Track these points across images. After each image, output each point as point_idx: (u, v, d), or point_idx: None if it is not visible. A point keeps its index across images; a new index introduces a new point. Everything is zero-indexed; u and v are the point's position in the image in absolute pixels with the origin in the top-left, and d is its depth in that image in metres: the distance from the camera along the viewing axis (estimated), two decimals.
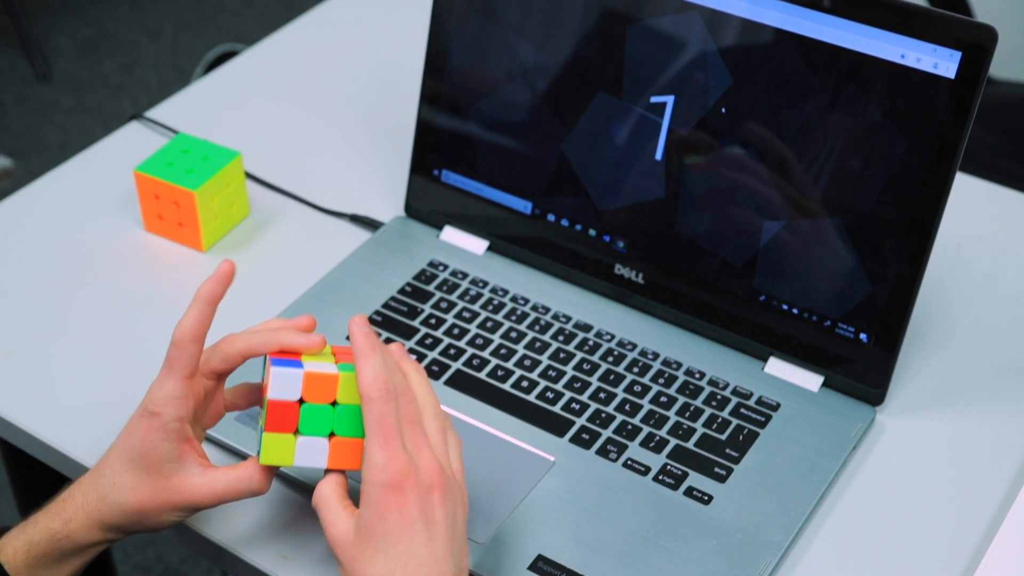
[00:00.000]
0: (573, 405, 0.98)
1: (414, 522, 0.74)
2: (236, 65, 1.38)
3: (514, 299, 1.06)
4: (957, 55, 0.88)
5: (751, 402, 0.98)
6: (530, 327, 1.04)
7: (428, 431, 0.78)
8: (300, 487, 0.92)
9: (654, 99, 1.00)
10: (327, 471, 0.79)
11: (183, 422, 0.81)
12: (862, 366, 0.98)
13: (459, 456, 0.80)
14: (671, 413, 0.97)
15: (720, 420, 0.97)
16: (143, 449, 0.81)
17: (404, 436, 0.76)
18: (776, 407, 0.98)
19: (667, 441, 0.95)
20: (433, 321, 1.04)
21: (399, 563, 0.74)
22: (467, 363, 1.01)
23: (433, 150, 1.12)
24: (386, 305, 1.06)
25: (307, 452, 0.79)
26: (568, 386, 0.99)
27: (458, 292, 1.07)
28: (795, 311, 0.99)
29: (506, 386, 0.99)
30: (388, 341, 1.03)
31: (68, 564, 0.84)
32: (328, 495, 0.77)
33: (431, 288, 1.07)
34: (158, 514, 0.82)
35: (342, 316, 1.05)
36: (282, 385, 0.79)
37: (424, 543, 0.75)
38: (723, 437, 0.95)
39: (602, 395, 0.98)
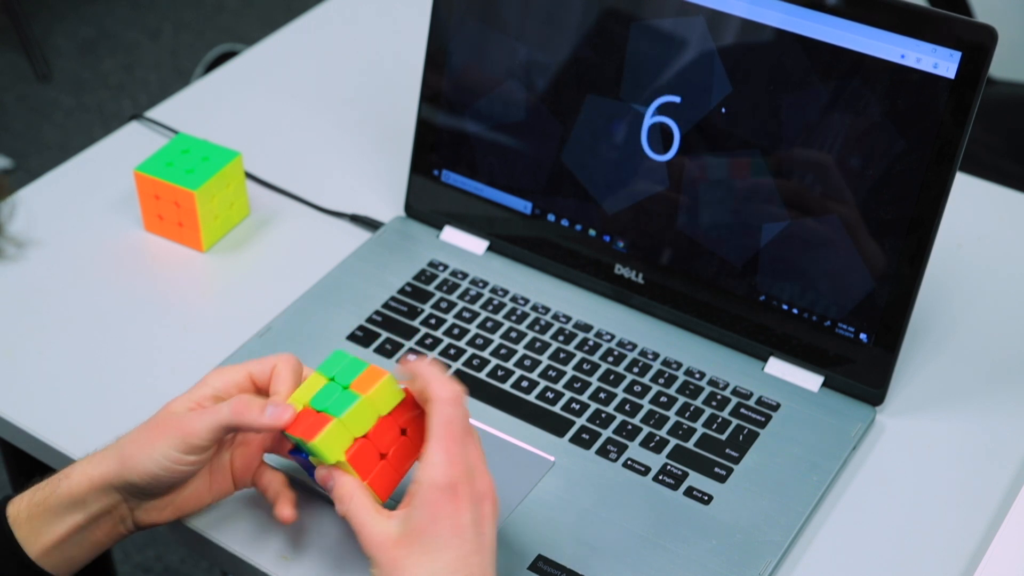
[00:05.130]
0: (573, 405, 0.98)
1: (465, 530, 0.75)
2: (236, 65, 1.38)
3: (514, 299, 1.06)
4: (957, 55, 0.88)
5: (751, 402, 0.98)
6: (530, 327, 1.04)
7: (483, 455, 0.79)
8: (300, 487, 0.92)
9: (654, 99, 1.00)
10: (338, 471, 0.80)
11: (213, 393, 0.83)
12: (862, 366, 0.98)
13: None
14: (671, 413, 0.97)
15: (720, 420, 0.97)
16: (166, 405, 0.83)
17: (466, 447, 0.77)
18: (776, 407, 0.98)
19: (667, 441, 0.95)
20: (433, 321, 1.04)
21: (447, 570, 0.74)
22: (467, 363, 1.01)
23: (433, 150, 1.12)
24: (386, 305, 1.06)
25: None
26: (568, 386, 0.99)
27: (458, 292, 1.07)
28: (795, 311, 0.99)
29: (506, 386, 0.99)
30: (388, 342, 1.03)
31: (63, 519, 0.83)
32: (361, 494, 0.78)
33: (431, 288, 1.07)
34: (150, 442, 0.81)
35: (342, 316, 1.05)
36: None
37: (474, 552, 0.75)
38: (723, 437, 0.95)
39: (602, 395, 0.98)
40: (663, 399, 0.98)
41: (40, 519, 0.83)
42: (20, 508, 0.83)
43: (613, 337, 1.03)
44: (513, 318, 1.05)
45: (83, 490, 0.82)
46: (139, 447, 0.81)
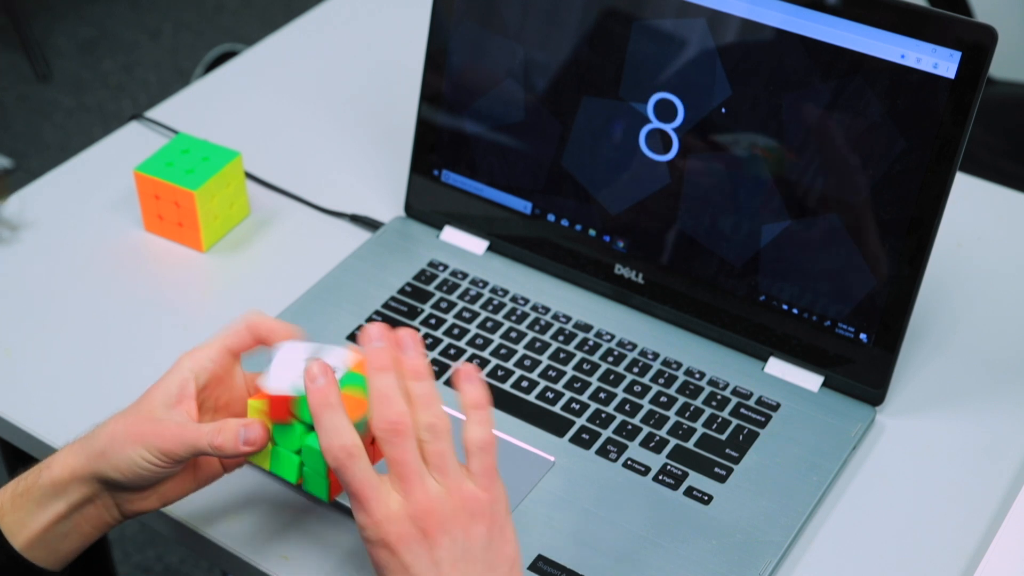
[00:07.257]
0: (573, 405, 0.98)
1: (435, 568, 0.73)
2: (236, 65, 1.38)
3: (514, 299, 1.07)
4: (957, 55, 0.88)
5: (751, 402, 0.98)
6: (530, 327, 1.04)
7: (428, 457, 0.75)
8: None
9: (654, 99, 1.00)
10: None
11: (193, 377, 0.82)
12: (862, 366, 0.98)
13: (486, 459, 0.76)
14: (671, 413, 0.97)
15: (720, 420, 0.97)
16: (148, 390, 0.82)
17: (394, 481, 0.74)
18: (776, 407, 0.98)
19: (667, 441, 0.95)
20: (433, 321, 1.04)
21: None
22: (467, 363, 1.01)
23: (433, 150, 1.12)
24: (386, 305, 1.06)
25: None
26: (568, 386, 0.99)
27: (458, 292, 1.07)
28: (795, 311, 0.99)
29: (506, 386, 0.99)
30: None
31: (46, 509, 0.82)
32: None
33: (431, 288, 1.08)
34: (124, 445, 0.80)
35: (342, 316, 1.05)
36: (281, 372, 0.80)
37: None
38: (723, 437, 0.95)
39: (602, 395, 0.98)
40: (663, 399, 0.98)
41: (23, 510, 0.82)
42: (4, 500, 0.83)
43: (613, 337, 1.03)
44: (513, 318, 1.05)
45: (64, 479, 0.81)
46: (119, 446, 0.80)
